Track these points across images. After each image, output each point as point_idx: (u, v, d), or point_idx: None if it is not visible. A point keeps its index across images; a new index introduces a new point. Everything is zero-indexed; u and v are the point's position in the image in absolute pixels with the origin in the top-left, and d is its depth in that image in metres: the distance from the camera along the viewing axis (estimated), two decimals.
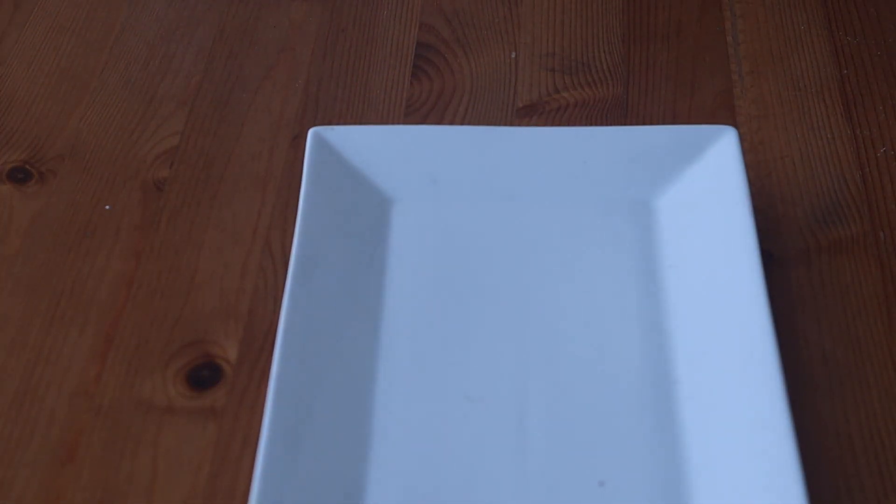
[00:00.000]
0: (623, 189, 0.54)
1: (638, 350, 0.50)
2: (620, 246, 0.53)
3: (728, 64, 0.63)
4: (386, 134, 0.55)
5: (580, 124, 0.60)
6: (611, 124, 0.60)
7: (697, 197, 0.53)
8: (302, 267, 0.50)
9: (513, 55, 0.64)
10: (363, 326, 0.50)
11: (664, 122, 0.60)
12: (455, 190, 0.55)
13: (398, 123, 0.61)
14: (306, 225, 0.51)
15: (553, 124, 0.60)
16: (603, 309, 0.51)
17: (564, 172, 0.55)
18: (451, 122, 0.61)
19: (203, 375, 0.50)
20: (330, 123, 0.61)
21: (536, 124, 0.60)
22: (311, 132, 0.54)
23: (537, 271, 0.53)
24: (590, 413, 0.48)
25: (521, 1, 0.67)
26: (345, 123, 0.61)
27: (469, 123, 0.61)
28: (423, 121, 0.61)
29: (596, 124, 0.60)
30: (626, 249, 0.53)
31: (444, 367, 0.50)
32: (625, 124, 0.60)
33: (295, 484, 0.44)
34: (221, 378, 0.50)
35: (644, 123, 0.60)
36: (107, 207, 0.57)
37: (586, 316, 0.51)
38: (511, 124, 0.60)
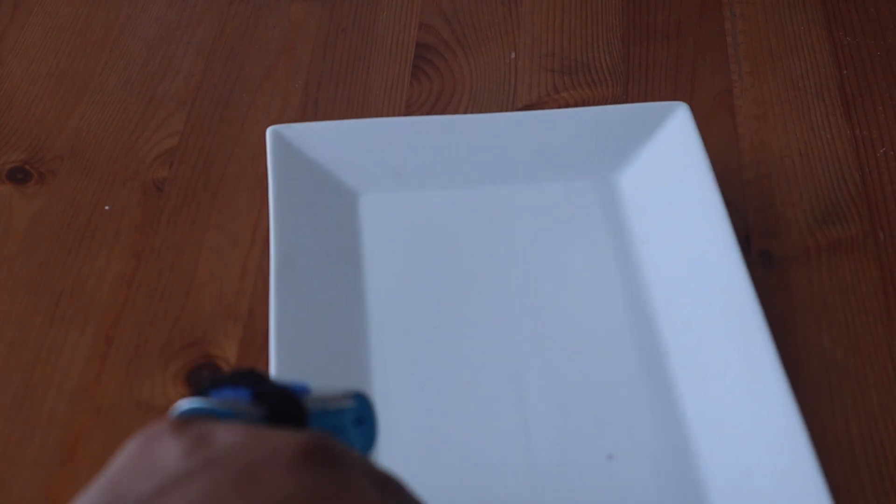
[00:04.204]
0: (584, 169, 0.55)
1: (625, 324, 0.50)
2: (591, 224, 0.54)
3: (728, 64, 0.63)
4: (344, 128, 0.56)
5: None
6: None
7: (658, 172, 0.54)
8: (283, 268, 0.50)
9: (512, 55, 0.64)
10: (352, 320, 0.51)
11: None
12: (419, 180, 0.55)
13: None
14: (280, 225, 0.51)
15: None
16: (584, 287, 0.52)
17: (525, 156, 0.55)
18: None
19: (203, 376, 0.50)
20: None
21: None
22: (269, 131, 0.54)
23: (513, 254, 0.53)
24: (586, 389, 0.48)
25: (521, 1, 0.67)
26: None
27: None
28: None
29: None
30: (597, 228, 0.54)
31: (437, 354, 0.50)
32: None
33: None
34: None
35: None
36: (106, 207, 0.57)
37: (569, 295, 0.52)
38: None
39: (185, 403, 0.31)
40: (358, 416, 0.34)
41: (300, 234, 0.52)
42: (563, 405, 0.48)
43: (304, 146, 0.54)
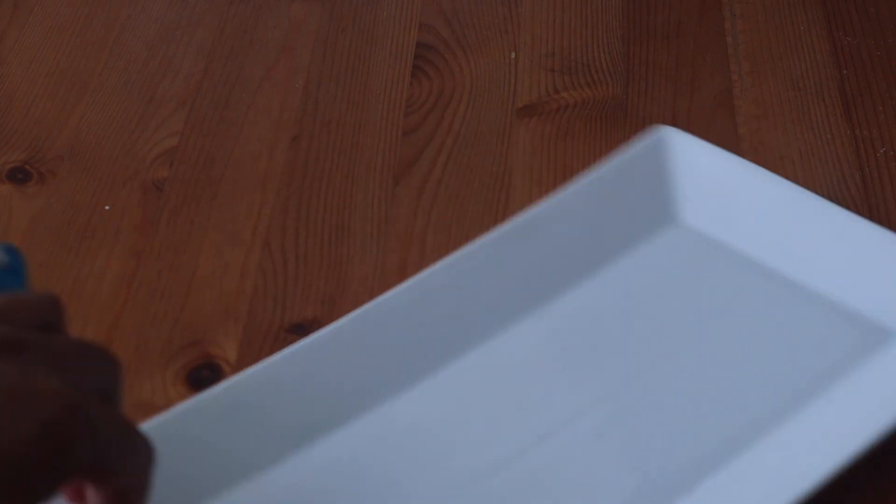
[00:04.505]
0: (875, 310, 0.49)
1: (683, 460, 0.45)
2: (809, 358, 0.48)
3: (728, 64, 0.63)
4: (727, 162, 0.53)
5: (580, 124, 0.60)
6: (610, 124, 0.60)
7: None
8: (497, 239, 0.50)
9: (512, 55, 0.64)
10: (486, 312, 0.49)
11: (663, 122, 0.60)
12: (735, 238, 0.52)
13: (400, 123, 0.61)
14: (564, 197, 0.51)
15: (552, 124, 0.60)
16: (712, 403, 0.47)
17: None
18: (451, 122, 0.61)
19: (203, 376, 0.50)
20: (328, 124, 0.61)
21: (536, 124, 0.60)
22: (663, 130, 0.53)
23: (700, 349, 0.49)
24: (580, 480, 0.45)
25: (521, 1, 0.68)
26: (344, 123, 0.61)
27: (468, 123, 0.61)
28: (423, 120, 0.61)
29: (595, 124, 0.60)
30: (809, 363, 0.48)
31: (514, 374, 0.48)
32: (624, 124, 0.60)
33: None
34: (221, 379, 0.50)
35: (643, 123, 0.60)
36: (106, 208, 0.57)
37: (685, 401, 0.47)
38: (510, 124, 0.60)
39: None
40: (11, 267, 0.38)
41: (566, 209, 0.51)
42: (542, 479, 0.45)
43: (674, 153, 0.53)
